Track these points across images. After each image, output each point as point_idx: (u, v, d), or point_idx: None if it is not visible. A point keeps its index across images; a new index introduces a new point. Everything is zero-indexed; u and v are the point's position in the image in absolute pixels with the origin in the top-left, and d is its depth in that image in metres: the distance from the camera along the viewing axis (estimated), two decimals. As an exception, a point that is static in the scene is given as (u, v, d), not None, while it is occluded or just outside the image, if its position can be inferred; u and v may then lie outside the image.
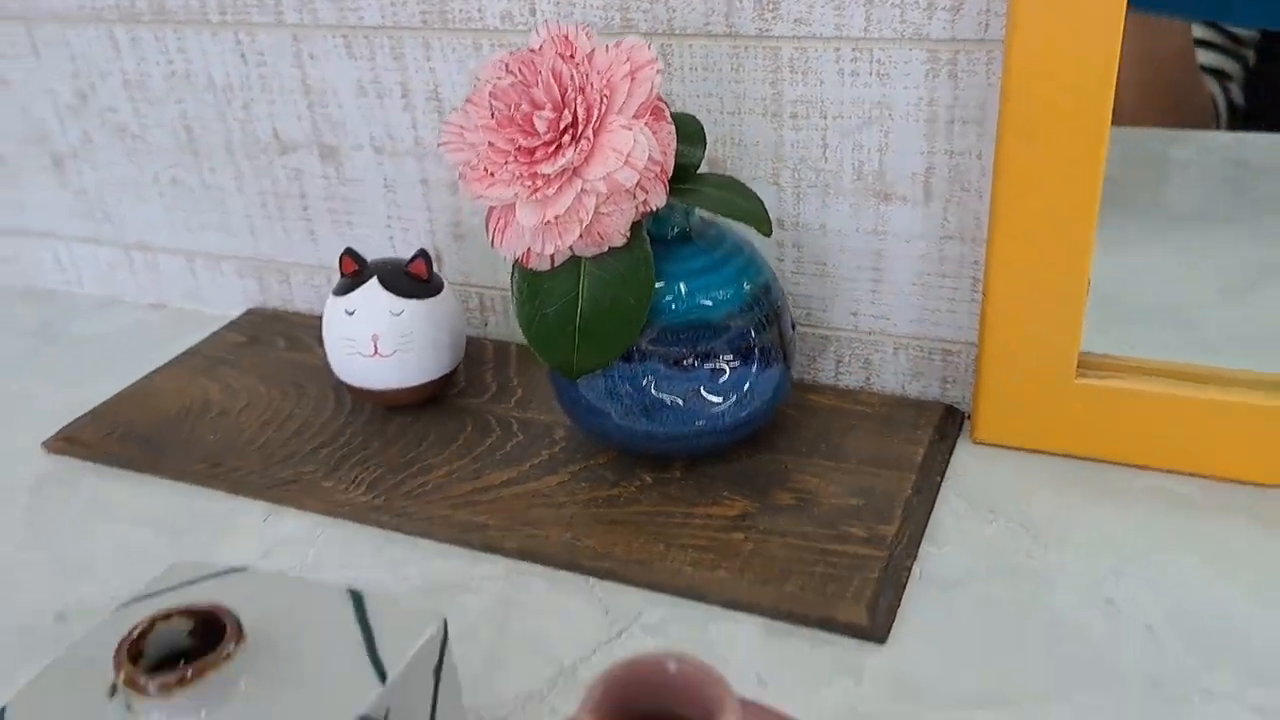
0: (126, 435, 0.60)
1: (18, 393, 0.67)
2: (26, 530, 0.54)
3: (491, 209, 0.46)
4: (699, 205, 0.47)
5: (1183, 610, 0.43)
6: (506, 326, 0.66)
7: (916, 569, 0.46)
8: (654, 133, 0.44)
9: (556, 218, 0.43)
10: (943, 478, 0.51)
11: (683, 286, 0.48)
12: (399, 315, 0.55)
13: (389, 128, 0.62)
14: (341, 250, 0.56)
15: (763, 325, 0.49)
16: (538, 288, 0.46)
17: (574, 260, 0.46)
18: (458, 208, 0.63)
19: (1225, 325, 0.56)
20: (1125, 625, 0.42)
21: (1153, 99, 0.65)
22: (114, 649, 0.29)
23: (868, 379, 0.57)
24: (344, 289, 0.56)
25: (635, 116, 0.43)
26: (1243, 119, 0.66)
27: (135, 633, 0.30)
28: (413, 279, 0.56)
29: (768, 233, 0.47)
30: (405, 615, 0.33)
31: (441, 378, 0.57)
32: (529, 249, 0.45)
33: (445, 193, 0.63)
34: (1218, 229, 0.63)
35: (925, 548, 0.47)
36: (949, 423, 0.55)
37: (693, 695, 0.25)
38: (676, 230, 0.48)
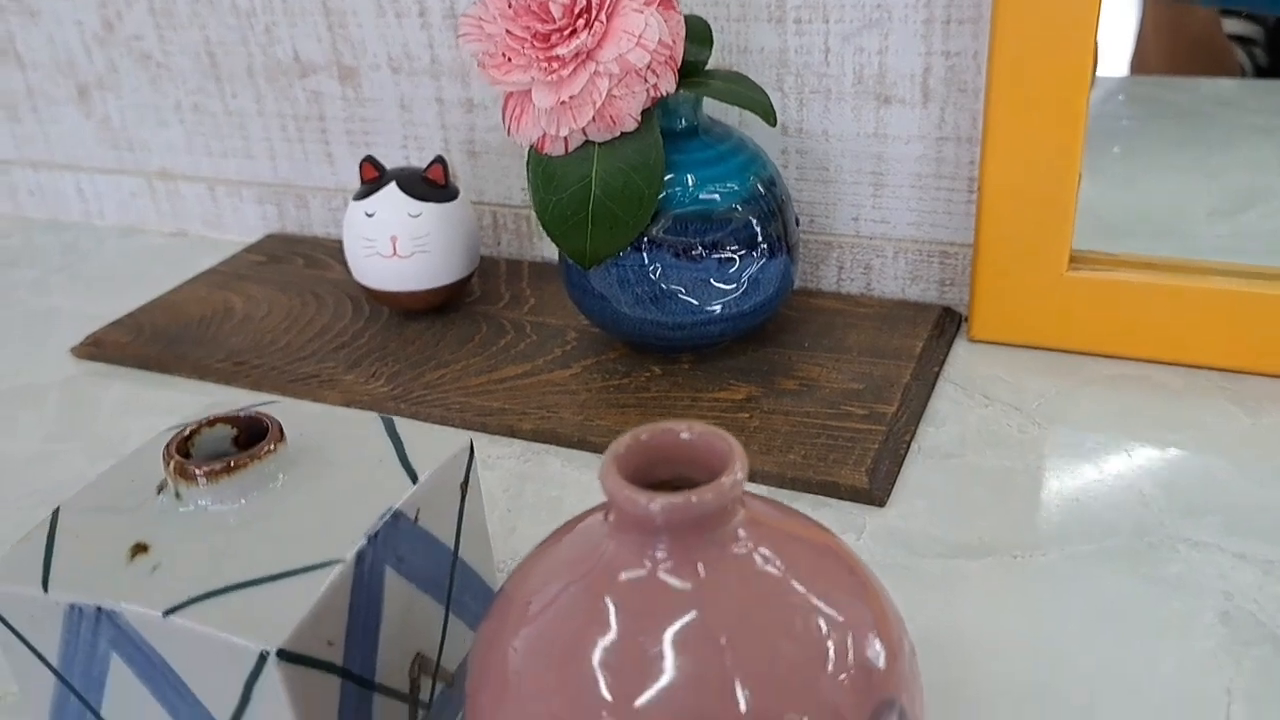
0: (152, 338, 0.62)
1: (45, 308, 0.69)
2: (58, 424, 0.56)
3: (508, 98, 0.48)
4: (707, 95, 0.49)
5: (1167, 475, 0.45)
6: (519, 245, 0.68)
7: (915, 444, 0.48)
8: (664, 20, 0.46)
9: (571, 98, 0.45)
10: (940, 369, 0.53)
11: (691, 178, 0.50)
12: (417, 217, 0.57)
13: (406, 46, 0.64)
14: (359, 166, 0.59)
15: (768, 218, 0.51)
16: (552, 174, 0.48)
17: (587, 146, 0.48)
18: (472, 126, 0.65)
19: (1216, 239, 0.59)
20: (1113, 488, 0.45)
21: (1180, 65, 0.68)
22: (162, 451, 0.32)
23: (869, 284, 0.59)
24: (364, 194, 0.58)
25: (645, 4, 0.45)
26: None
27: (184, 433, 0.32)
28: (430, 184, 0.58)
29: (773, 122, 0.49)
30: (433, 433, 0.35)
31: (457, 282, 0.59)
32: (544, 133, 0.47)
33: (460, 111, 0.65)
34: (1213, 155, 0.66)
35: (923, 427, 0.49)
36: (947, 322, 0.57)
37: (704, 458, 0.27)
38: (685, 124, 0.50)
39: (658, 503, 0.24)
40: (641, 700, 0.24)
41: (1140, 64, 0.68)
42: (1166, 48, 0.68)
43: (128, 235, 0.80)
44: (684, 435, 0.27)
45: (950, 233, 0.56)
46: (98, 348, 0.62)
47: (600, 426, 0.50)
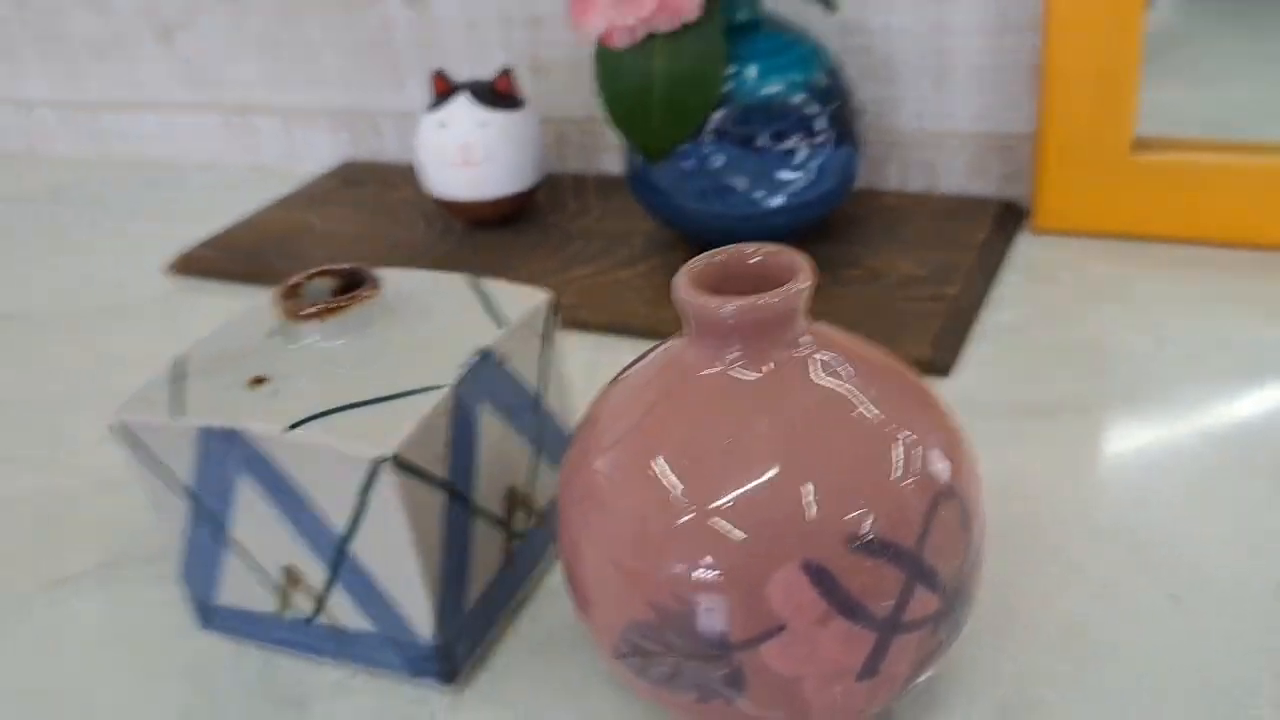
0: (239, 255, 0.65)
1: (136, 235, 0.73)
2: (156, 334, 0.59)
3: (574, -7, 0.50)
4: (768, -17, 0.50)
5: (1228, 344, 0.45)
6: (584, 160, 0.69)
7: (978, 323, 0.49)
8: (726, -92, 0.47)
9: (636, -12, 0.47)
10: (1003, 258, 0.54)
11: (754, 68, 0.51)
12: (486, 127, 0.59)
13: (472, -33, 0.66)
14: (429, 82, 0.61)
15: (831, 107, 0.52)
16: (618, 66, 0.50)
17: (651, 37, 0.49)
18: (535, 42, 0.67)
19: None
20: (1172, 356, 0.45)
21: None
22: (273, 299, 0.34)
23: (932, 181, 0.60)
24: (436, 104, 0.60)
25: (708, -107, 0.47)
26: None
27: (293, 282, 0.34)
28: (498, 94, 0.60)
29: (833, 9, 0.49)
30: (517, 289, 0.37)
31: (524, 192, 0.61)
32: (609, 25, 0.49)
33: (524, 29, 0.67)
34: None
35: (986, 310, 0.50)
36: (1008, 216, 0.57)
37: (772, 274, 0.28)
38: (747, 16, 0.51)
39: (730, 305, 0.26)
40: (718, 500, 0.26)
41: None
42: None
43: (207, 170, 0.83)
44: (753, 257, 0.28)
45: (1012, 124, 0.57)
46: (189, 264, 0.65)
47: (668, 318, 0.51)
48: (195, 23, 0.78)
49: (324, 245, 0.64)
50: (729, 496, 0.26)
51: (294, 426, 0.30)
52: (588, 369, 0.50)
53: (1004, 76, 0.55)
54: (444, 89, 0.60)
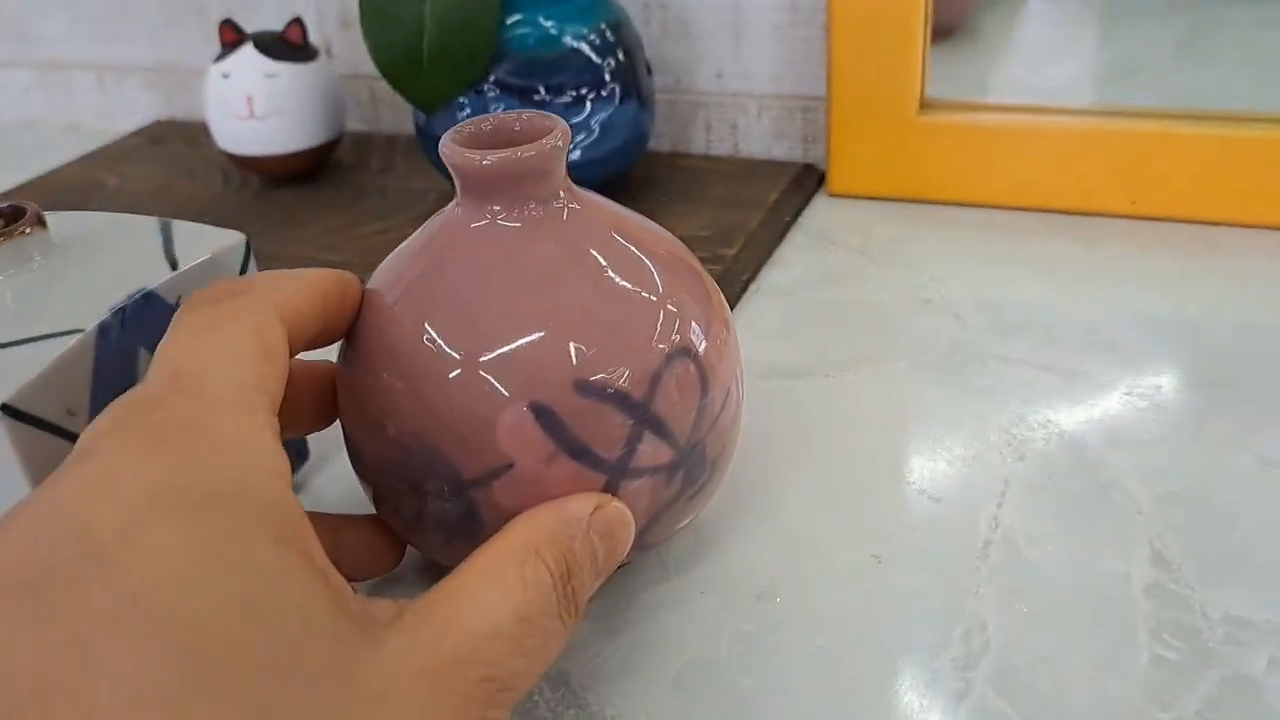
0: (20, 212, 0.61)
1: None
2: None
3: (337, -67, 0.47)
4: (540, -72, 0.48)
5: (991, 303, 0.45)
6: (396, 120, 0.67)
7: (754, 284, 0.48)
8: None
9: (390, -75, 0.45)
10: (794, 220, 0.53)
11: (535, 18, 0.49)
12: (273, 78, 0.56)
13: (274, -86, 0.63)
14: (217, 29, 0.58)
15: (616, 60, 0.50)
16: (384, 10, 0.48)
17: (418, -18, 0.47)
18: (345, -4, 0.64)
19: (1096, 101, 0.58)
20: (936, 314, 0.44)
21: None
22: None
23: (736, 145, 0.59)
24: (222, 55, 0.57)
25: None
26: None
27: None
28: (288, 44, 0.57)
29: (607, -43, 0.48)
30: (209, 231, 0.35)
31: (319, 147, 0.59)
32: (371, -33, 0.46)
33: (332, -20, 0.64)
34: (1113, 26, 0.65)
35: (765, 271, 0.49)
36: (806, 177, 0.56)
37: (536, 138, 0.28)
38: (525, -36, 0.50)
39: (490, 157, 0.27)
40: (437, 330, 0.27)
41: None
42: None
43: (24, 130, 0.79)
44: (516, 125, 0.30)
45: (811, 85, 0.56)
46: (-34, 221, 0.61)
47: (443, 273, 0.50)
48: (1, -29, 0.74)
49: (111, 203, 0.61)
50: (472, 345, 0.27)
51: None
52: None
53: (799, 35, 0.55)
54: (231, 39, 0.58)
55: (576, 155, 0.50)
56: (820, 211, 0.54)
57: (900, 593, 0.31)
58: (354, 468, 0.31)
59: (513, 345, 0.27)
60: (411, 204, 0.57)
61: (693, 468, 0.29)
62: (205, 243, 0.34)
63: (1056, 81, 0.57)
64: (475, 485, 0.27)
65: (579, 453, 0.27)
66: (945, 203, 0.53)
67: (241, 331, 0.24)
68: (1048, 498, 0.34)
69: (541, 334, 0.27)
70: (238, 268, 0.35)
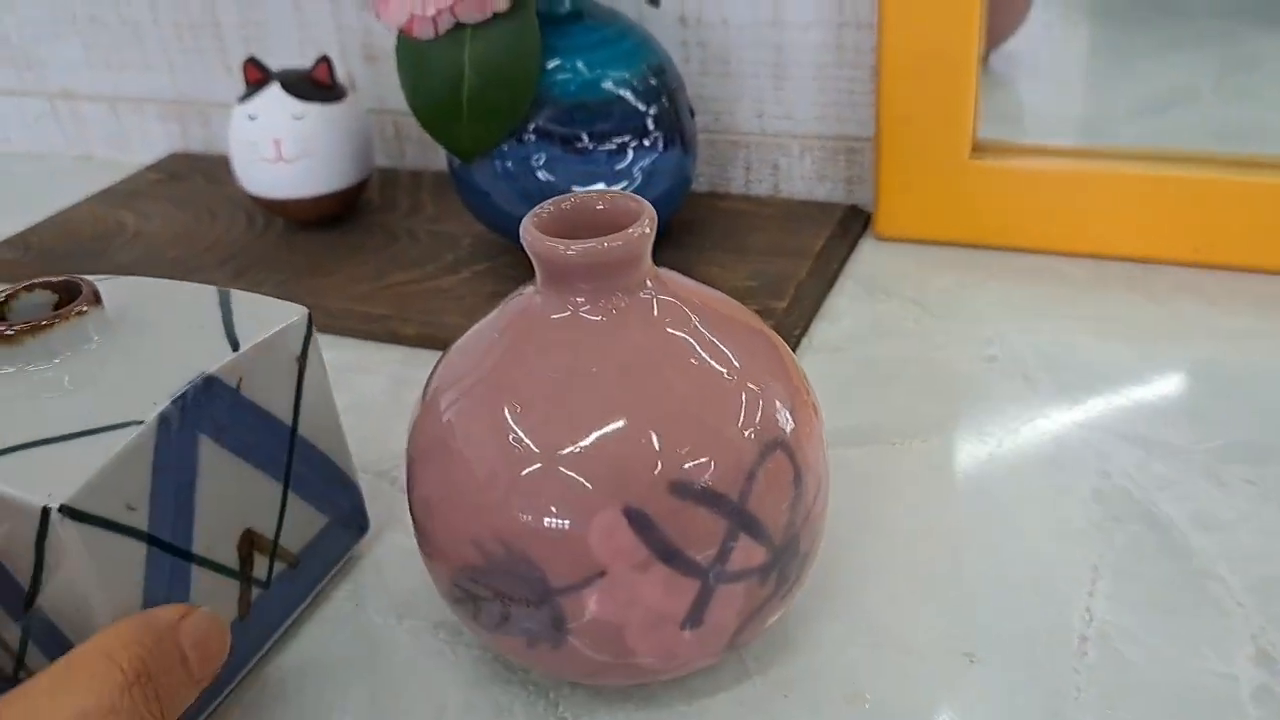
0: (40, 256, 0.59)
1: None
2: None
3: (374, -21, 0.46)
4: (584, -27, 0.46)
5: (1058, 362, 0.43)
6: (423, 156, 0.65)
7: (806, 339, 0.46)
8: (532, -111, 0.43)
9: (433, -26, 0.43)
10: (842, 267, 0.52)
11: (576, 64, 0.47)
12: (301, 120, 0.55)
13: (297, -55, 0.61)
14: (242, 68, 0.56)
15: (659, 106, 0.48)
16: (423, 59, 0.46)
17: (459, 29, 0.45)
18: (368, 29, 0.62)
19: (1137, 137, 0.56)
20: (1002, 374, 0.43)
21: None
22: None
23: (776, 185, 0.57)
24: (247, 95, 0.56)
25: (513, -128, 0.43)
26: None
27: (4, 294, 0.31)
28: (315, 84, 0.55)
29: (655, 2, 0.46)
30: (268, 304, 0.33)
31: (348, 189, 0.57)
32: (411, 15, 0.45)
33: (354, 12, 0.62)
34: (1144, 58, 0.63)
35: (817, 324, 0.48)
36: (852, 220, 0.55)
37: (619, 220, 0.28)
38: (569, 7, 0.48)
39: (575, 247, 0.26)
40: (547, 445, 0.26)
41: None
42: None
43: (35, 160, 0.77)
44: (599, 205, 0.28)
45: (856, 126, 0.54)
46: (-18, 265, 0.60)
47: (484, 327, 0.48)
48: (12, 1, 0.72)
49: (133, 248, 0.59)
50: (558, 441, 0.26)
51: None
52: (393, 388, 0.46)
53: (844, 75, 0.53)
54: (256, 78, 0.56)
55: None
56: (868, 256, 0.52)
57: (997, 695, 0.29)
58: (427, 565, 0.30)
59: (604, 446, 0.25)
60: (444, 249, 0.55)
61: (786, 564, 0.28)
62: (266, 317, 0.33)
63: (1088, 111, 0.56)
64: (564, 593, 0.26)
65: (672, 557, 0.26)
66: (998, 248, 0.51)
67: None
68: (1139, 586, 0.33)
69: (633, 432, 0.26)
70: (299, 345, 0.33)
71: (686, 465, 0.25)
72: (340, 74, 0.57)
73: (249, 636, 0.32)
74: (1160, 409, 0.40)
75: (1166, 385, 0.41)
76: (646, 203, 0.28)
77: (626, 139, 0.48)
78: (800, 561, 0.29)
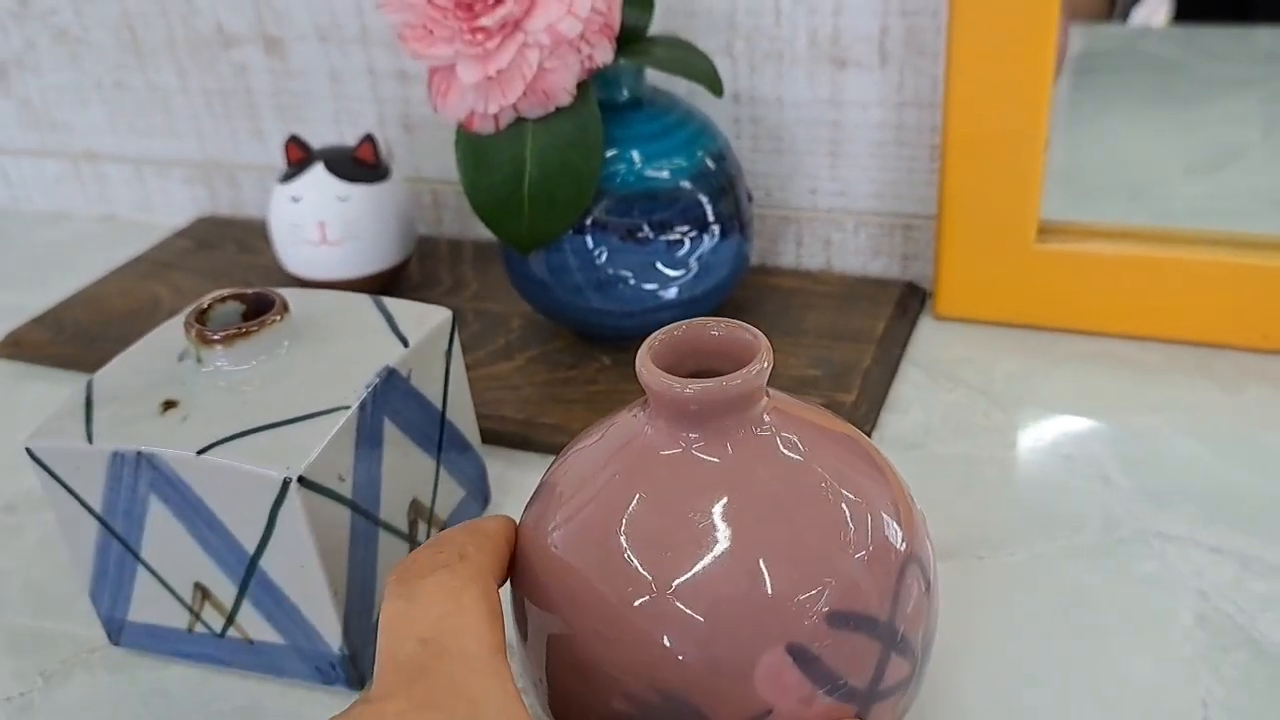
0: (73, 337, 0.58)
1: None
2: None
3: (434, 72, 0.44)
4: (648, 65, 0.45)
5: (1139, 461, 0.43)
6: (460, 224, 0.64)
7: (876, 433, 0.46)
8: (597, -16, 0.42)
9: (499, 73, 0.42)
10: (903, 351, 0.51)
11: (635, 154, 0.46)
12: (346, 201, 0.54)
13: (334, 15, 0.60)
14: (284, 145, 0.55)
15: (718, 194, 0.48)
16: (483, 153, 0.45)
17: (520, 123, 0.44)
18: (406, 99, 0.61)
19: (1192, 199, 0.56)
20: (1081, 477, 0.42)
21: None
22: (182, 324, 0.35)
23: (829, 260, 0.56)
24: (290, 176, 0.54)
25: (577, -32, 0.42)
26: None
27: (201, 306, 0.35)
28: (360, 164, 0.54)
29: (719, 92, 0.45)
30: (417, 307, 0.39)
31: (392, 269, 0.56)
32: (472, 110, 0.44)
33: (393, 83, 0.61)
34: (1189, 109, 0.63)
35: (885, 415, 0.47)
36: (910, 299, 0.54)
37: (730, 350, 0.28)
38: (627, 95, 0.47)
39: (692, 387, 0.26)
40: (678, 579, 0.26)
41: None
42: None
43: (56, 221, 0.76)
44: (713, 331, 0.29)
45: (913, 204, 0.53)
46: (17, 347, 0.58)
47: (544, 425, 0.47)
48: (36, 62, 0.71)
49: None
50: (710, 586, 0.26)
51: (206, 450, 0.32)
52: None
53: (904, 154, 0.52)
54: (298, 157, 0.55)
55: (673, 294, 0.48)
56: (929, 337, 0.52)
57: None
58: (551, 707, 0.29)
59: (762, 587, 0.26)
60: (494, 332, 0.54)
61: (920, 669, 0.29)
62: (420, 318, 0.38)
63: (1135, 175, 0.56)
64: None
65: (835, 687, 0.26)
66: (1060, 329, 0.51)
67: (478, 600, 0.26)
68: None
69: (784, 570, 0.26)
70: (446, 341, 0.39)
71: (838, 596, 0.26)
72: (382, 148, 0.56)
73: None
74: (1251, 516, 0.39)
75: (1254, 489, 0.41)
76: (761, 335, 0.28)
77: (686, 229, 0.47)
78: (928, 663, 0.30)
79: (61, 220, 0.76)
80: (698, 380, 0.26)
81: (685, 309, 0.49)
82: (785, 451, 0.27)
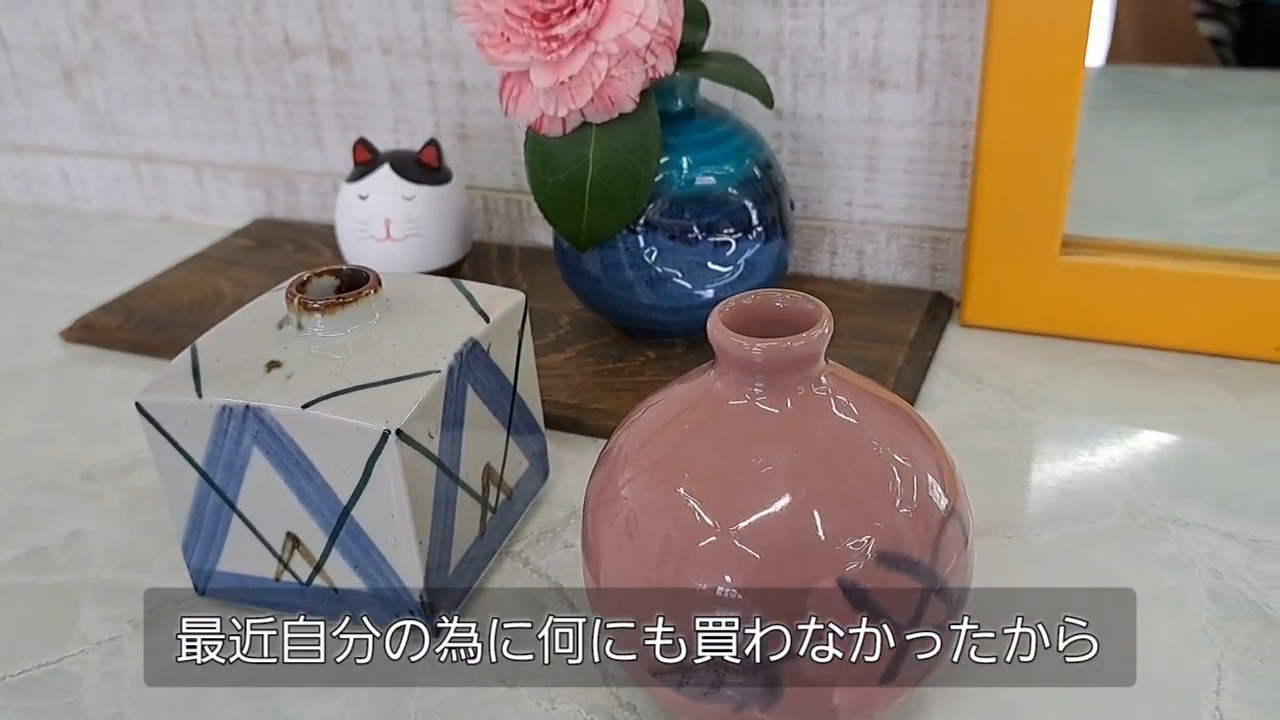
0: (142, 323, 0.61)
1: (32, 293, 0.69)
2: (49, 407, 0.56)
3: (506, 78, 0.48)
4: (705, 76, 0.49)
5: (1158, 458, 0.45)
6: (510, 230, 0.68)
7: (908, 427, 0.48)
8: (664, 0, 0.46)
9: (570, 79, 0.45)
10: (933, 354, 0.54)
11: (687, 160, 0.50)
12: (410, 200, 0.57)
13: (398, 29, 0.64)
14: (351, 148, 0.58)
15: (764, 201, 0.51)
16: (549, 154, 0.48)
17: (585, 127, 0.48)
18: (463, 109, 0.65)
19: (1204, 228, 0.59)
20: (1105, 470, 0.45)
21: (1155, 55, 0.69)
22: (284, 294, 0.39)
23: (861, 269, 0.60)
24: (357, 175, 0.58)
25: (645, -15, 0.45)
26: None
27: (301, 279, 0.39)
28: (423, 167, 0.58)
29: (770, 104, 0.49)
30: (493, 290, 0.42)
31: (449, 267, 0.59)
32: (542, 113, 0.47)
33: (452, 94, 0.65)
34: (1200, 146, 0.66)
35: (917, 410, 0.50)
36: (938, 307, 0.57)
37: (794, 319, 0.31)
38: (681, 105, 0.50)
39: (759, 346, 0.29)
40: (741, 523, 0.29)
41: (1116, 53, 0.69)
42: (1141, 36, 0.69)
43: (113, 220, 0.79)
44: (778, 302, 0.32)
45: (943, 218, 0.56)
46: (87, 331, 0.61)
47: (596, 410, 0.50)
48: (103, 66, 0.74)
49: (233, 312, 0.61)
50: (763, 522, 0.29)
51: (311, 404, 0.35)
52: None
53: (936, 170, 0.55)
54: (366, 159, 0.58)
55: (717, 293, 0.51)
56: (957, 343, 0.55)
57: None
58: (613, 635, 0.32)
59: (816, 528, 0.28)
60: (545, 327, 0.57)
61: (954, 615, 0.31)
62: (498, 299, 0.42)
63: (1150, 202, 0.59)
64: (785, 660, 0.29)
65: (881, 621, 0.29)
66: (1081, 338, 0.54)
67: None
68: (1266, 690, 0.34)
69: (842, 510, 0.29)
70: (519, 320, 0.42)
71: (887, 539, 0.29)
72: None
73: (483, 553, 0.41)
74: (1261, 508, 0.42)
75: (1262, 484, 0.43)
76: (824, 306, 0.31)
77: (733, 231, 0.50)
78: (960, 609, 0.32)
79: (119, 219, 0.79)
80: (764, 340, 0.29)
81: (729, 308, 0.52)
82: (839, 413, 0.30)
